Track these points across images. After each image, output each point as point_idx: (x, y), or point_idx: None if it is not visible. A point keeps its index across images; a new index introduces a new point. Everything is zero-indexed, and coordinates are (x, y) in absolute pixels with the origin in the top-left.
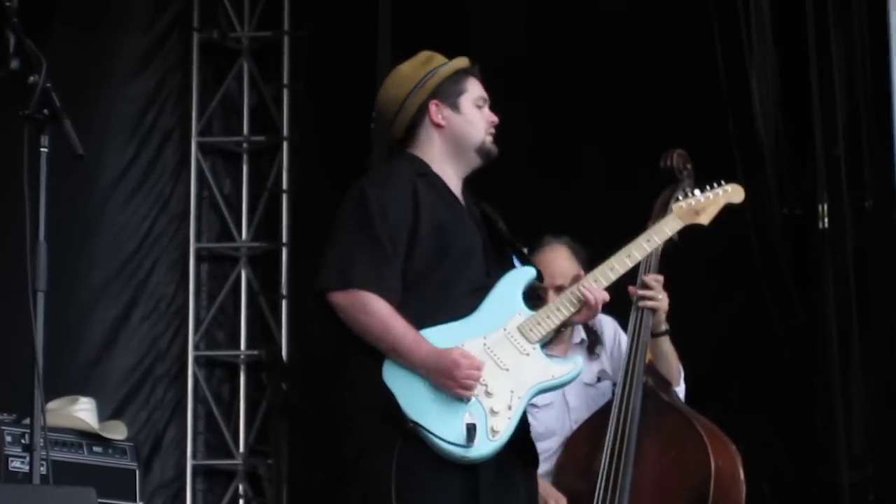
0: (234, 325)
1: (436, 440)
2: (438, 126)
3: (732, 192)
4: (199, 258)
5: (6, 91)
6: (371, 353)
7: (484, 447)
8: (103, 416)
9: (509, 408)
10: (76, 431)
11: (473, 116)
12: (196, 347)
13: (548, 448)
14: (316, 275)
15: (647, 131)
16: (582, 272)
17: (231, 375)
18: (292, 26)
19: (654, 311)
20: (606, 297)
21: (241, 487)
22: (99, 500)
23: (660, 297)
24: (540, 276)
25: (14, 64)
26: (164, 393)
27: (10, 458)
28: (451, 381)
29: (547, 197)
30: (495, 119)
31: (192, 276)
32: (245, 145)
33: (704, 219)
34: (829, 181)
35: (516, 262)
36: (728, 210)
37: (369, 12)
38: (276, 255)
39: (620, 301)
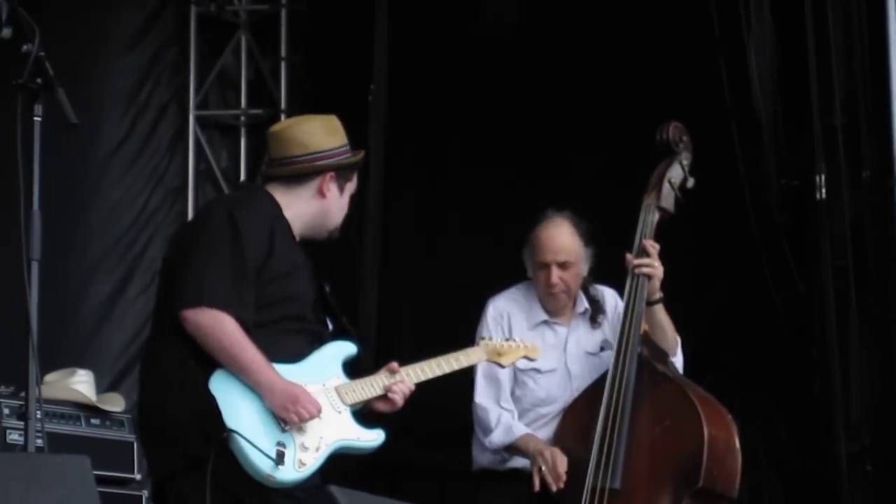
0: None
1: (249, 449)
2: (321, 194)
3: (530, 349)
4: None
5: None
6: (204, 365)
7: (290, 473)
8: (100, 389)
9: (317, 449)
10: (74, 403)
11: (344, 205)
12: None
13: (548, 413)
14: (180, 292)
15: (646, 104)
16: (395, 365)
17: None
18: None
19: (649, 278)
20: (407, 390)
21: None
22: (97, 472)
23: (655, 264)
24: (359, 352)
25: (6, 32)
26: None
27: (9, 431)
28: (289, 405)
29: (550, 171)
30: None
31: None
32: (242, 119)
33: (504, 361)
34: (826, 152)
35: (331, 325)
36: (726, 181)
37: None
38: None
39: (617, 270)
